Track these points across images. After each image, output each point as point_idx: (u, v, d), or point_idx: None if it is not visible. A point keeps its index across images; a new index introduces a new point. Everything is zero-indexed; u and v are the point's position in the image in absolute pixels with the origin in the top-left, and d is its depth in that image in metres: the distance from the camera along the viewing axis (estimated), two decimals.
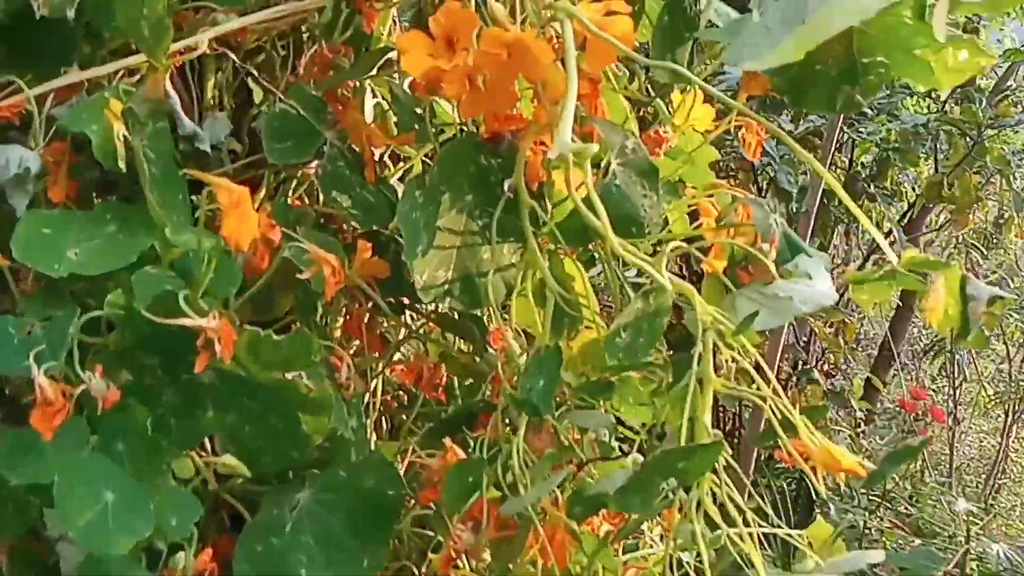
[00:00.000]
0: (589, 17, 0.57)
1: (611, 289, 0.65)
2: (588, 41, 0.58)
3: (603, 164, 0.61)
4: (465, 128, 0.72)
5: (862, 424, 2.76)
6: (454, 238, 0.63)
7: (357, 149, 0.75)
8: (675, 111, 0.78)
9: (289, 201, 0.79)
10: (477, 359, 0.74)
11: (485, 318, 0.73)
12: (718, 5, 0.69)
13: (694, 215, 0.87)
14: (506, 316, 0.71)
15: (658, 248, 0.59)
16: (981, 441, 4.28)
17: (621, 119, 0.74)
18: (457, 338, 0.77)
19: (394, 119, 0.86)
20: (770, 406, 0.57)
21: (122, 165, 0.56)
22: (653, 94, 0.83)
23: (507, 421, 0.65)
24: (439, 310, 0.76)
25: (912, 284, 0.55)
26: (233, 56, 0.72)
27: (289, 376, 0.58)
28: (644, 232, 0.60)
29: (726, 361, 0.56)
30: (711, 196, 0.84)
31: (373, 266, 0.71)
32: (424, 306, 0.76)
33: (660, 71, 0.67)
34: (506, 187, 0.59)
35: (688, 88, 0.77)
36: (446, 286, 0.63)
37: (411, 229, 0.59)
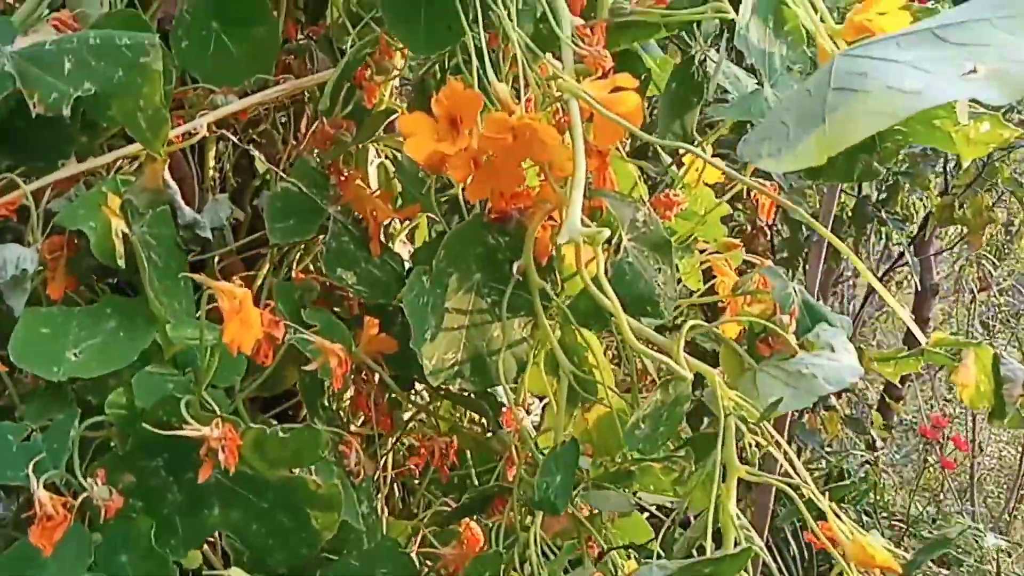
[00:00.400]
0: (595, 95, 0.55)
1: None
2: (595, 118, 0.57)
3: (614, 240, 0.60)
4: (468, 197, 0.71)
5: (877, 447, 2.72)
6: (462, 318, 0.61)
7: (361, 217, 0.74)
8: (685, 170, 0.76)
9: (294, 273, 0.77)
10: (489, 433, 0.72)
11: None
12: (727, 67, 0.67)
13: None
14: (519, 381, 0.69)
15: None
16: (1000, 452, 4.22)
17: (629, 184, 0.72)
18: (469, 410, 0.75)
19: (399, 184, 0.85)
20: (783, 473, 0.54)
21: (121, 263, 0.55)
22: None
23: (522, 503, 0.63)
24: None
25: (941, 360, 0.53)
26: (233, 138, 0.70)
27: (297, 472, 0.56)
28: (659, 311, 0.58)
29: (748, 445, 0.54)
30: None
31: (380, 342, 0.69)
32: None
33: (669, 139, 0.66)
34: (515, 269, 0.58)
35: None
36: (456, 367, 0.61)
37: (418, 315, 0.58)
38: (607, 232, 0.51)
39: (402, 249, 0.98)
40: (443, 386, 0.62)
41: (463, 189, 0.68)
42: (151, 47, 0.55)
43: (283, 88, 0.66)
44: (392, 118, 0.87)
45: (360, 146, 0.83)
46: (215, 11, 0.65)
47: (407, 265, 0.78)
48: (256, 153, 0.85)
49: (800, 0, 0.55)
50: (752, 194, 0.74)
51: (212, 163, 0.81)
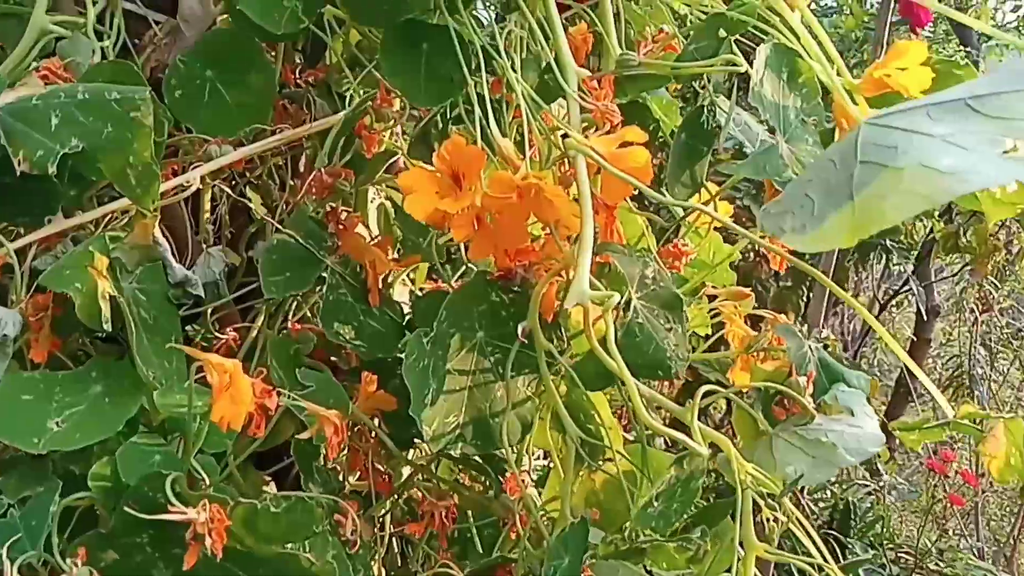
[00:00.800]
0: (603, 151, 0.53)
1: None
2: (603, 174, 0.54)
3: (623, 299, 0.57)
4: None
5: (882, 474, 2.68)
6: (464, 379, 0.59)
7: (359, 267, 0.72)
8: (696, 217, 0.74)
9: (290, 323, 0.75)
10: (491, 492, 0.69)
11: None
12: (736, 114, 0.65)
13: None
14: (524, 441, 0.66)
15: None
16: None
17: (636, 232, 0.70)
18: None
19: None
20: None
21: (107, 327, 0.52)
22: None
23: (526, 573, 0.60)
24: None
25: (968, 430, 0.51)
26: (228, 189, 0.68)
27: (290, 547, 0.53)
28: (671, 375, 0.56)
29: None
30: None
31: (379, 400, 0.66)
32: None
33: (678, 189, 0.64)
34: (520, 331, 0.55)
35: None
36: (457, 431, 0.58)
37: (418, 379, 0.55)
38: (617, 297, 0.49)
39: (402, 290, 0.95)
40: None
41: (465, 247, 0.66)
42: (141, 101, 0.53)
43: (280, 138, 0.64)
44: (393, 159, 0.85)
45: (359, 188, 0.81)
46: (210, 59, 0.63)
47: (406, 308, 0.76)
48: (252, 197, 0.83)
49: (815, 53, 0.53)
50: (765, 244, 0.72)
51: (207, 207, 0.79)
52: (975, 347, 3.38)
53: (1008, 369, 3.59)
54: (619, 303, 0.57)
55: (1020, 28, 3.42)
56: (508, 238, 0.56)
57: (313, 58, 0.78)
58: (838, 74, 0.53)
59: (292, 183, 0.86)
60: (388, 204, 0.95)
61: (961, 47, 3.34)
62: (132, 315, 0.58)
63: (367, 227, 0.93)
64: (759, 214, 0.40)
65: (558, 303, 0.61)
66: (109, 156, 0.53)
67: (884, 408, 3.09)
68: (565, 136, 0.54)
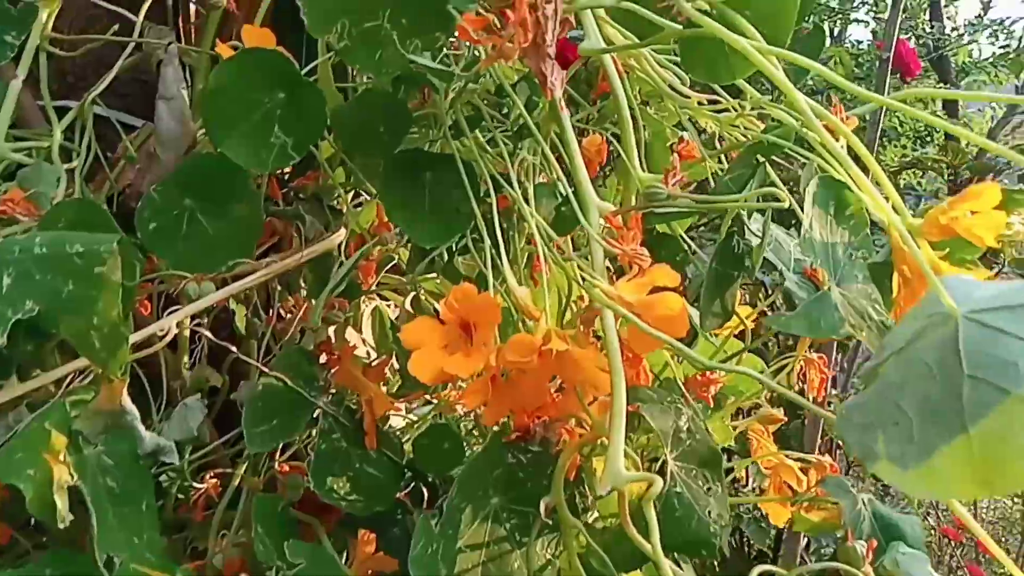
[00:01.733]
0: (632, 299, 0.47)
1: None
2: (630, 326, 0.48)
3: (659, 463, 0.51)
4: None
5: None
6: (477, 554, 0.51)
7: (354, 403, 0.65)
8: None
9: (277, 465, 0.67)
10: None
11: None
12: (769, 233, 0.59)
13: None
14: None
15: None
16: (996, 502, 4.15)
17: (660, 363, 0.64)
18: None
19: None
20: None
21: (62, 525, 0.45)
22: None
23: None
24: None
25: None
26: (209, 334, 0.61)
27: None
28: (715, 552, 0.49)
29: None
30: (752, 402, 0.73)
31: (377, 562, 0.59)
32: None
33: (710, 320, 0.57)
34: (543, 509, 0.48)
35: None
36: None
37: (426, 570, 0.48)
38: (659, 483, 0.42)
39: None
40: None
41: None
42: (108, 254, 0.46)
43: (267, 272, 0.58)
44: (391, 263, 0.79)
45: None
46: (189, 187, 0.57)
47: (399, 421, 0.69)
48: (237, 310, 0.76)
49: (866, 186, 0.48)
50: (800, 370, 0.66)
51: (184, 356, 0.71)
52: None
53: None
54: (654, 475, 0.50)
55: (995, 64, 3.46)
56: (526, 398, 0.49)
57: (303, 166, 0.72)
58: (894, 209, 0.47)
59: (278, 288, 0.80)
60: (383, 307, 0.89)
61: (940, 84, 3.37)
62: (97, 487, 0.50)
63: (359, 332, 0.86)
64: (839, 423, 0.34)
65: (579, 458, 0.54)
66: (69, 317, 0.47)
67: None
68: (586, 280, 0.48)
